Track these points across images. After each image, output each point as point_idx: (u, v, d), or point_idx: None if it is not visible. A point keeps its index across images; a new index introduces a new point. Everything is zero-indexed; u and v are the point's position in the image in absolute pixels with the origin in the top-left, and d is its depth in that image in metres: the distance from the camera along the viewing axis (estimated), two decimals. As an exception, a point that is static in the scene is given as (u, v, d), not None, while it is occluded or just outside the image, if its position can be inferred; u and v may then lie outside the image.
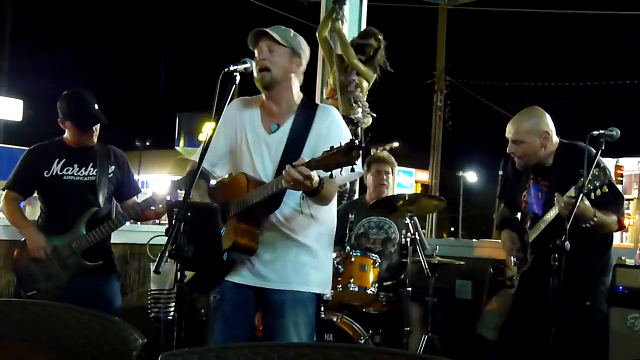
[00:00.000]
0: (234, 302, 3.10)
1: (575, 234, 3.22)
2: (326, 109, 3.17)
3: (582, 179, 3.29)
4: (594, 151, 3.43)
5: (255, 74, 2.99)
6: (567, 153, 3.72)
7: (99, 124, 4.08)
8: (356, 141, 2.52)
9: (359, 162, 2.67)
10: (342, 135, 3.05)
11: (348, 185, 5.83)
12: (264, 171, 3.05)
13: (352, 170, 2.61)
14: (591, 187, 3.30)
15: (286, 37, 3.05)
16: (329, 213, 3.21)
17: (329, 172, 2.62)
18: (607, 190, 3.33)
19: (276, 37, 3.01)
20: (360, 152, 2.52)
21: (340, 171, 2.60)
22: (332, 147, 2.59)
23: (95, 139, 4.10)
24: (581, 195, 3.26)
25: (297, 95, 3.14)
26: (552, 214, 3.55)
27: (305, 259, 3.11)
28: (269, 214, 3.01)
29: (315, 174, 2.67)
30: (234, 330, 3.07)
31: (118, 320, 1.83)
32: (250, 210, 2.93)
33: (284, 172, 2.69)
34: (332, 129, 3.06)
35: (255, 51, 3.07)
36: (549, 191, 3.71)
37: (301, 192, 2.87)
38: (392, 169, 5.15)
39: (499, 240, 4.32)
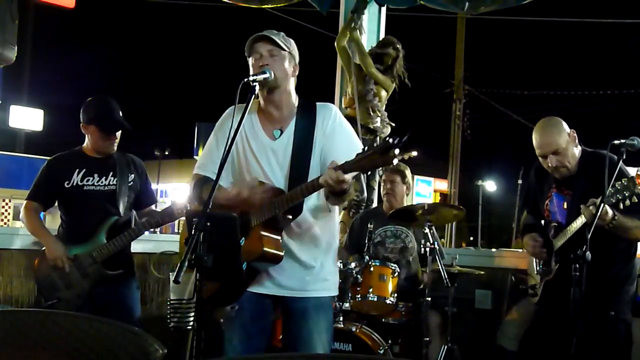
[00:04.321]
0: (254, 312, 3.07)
1: (598, 244, 3.19)
2: (326, 106, 3.11)
3: (610, 190, 3.26)
4: (615, 158, 3.40)
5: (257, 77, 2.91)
6: (590, 162, 3.69)
7: (120, 132, 4.10)
8: (391, 140, 2.45)
9: None
10: (347, 131, 3.07)
11: (365, 194, 5.84)
12: (275, 177, 3.01)
13: None
14: (620, 197, 3.28)
15: (284, 41, 3.03)
16: (337, 213, 3.21)
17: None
18: (637, 200, 3.30)
19: (278, 41, 2.99)
20: (398, 151, 2.45)
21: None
22: (365, 149, 2.55)
23: (115, 147, 4.12)
24: (601, 206, 3.23)
25: (295, 98, 3.10)
26: (578, 223, 3.52)
27: (322, 262, 3.09)
28: (292, 221, 2.97)
29: (350, 177, 2.64)
30: (254, 340, 3.06)
31: (138, 330, 1.83)
32: (274, 218, 2.89)
33: (325, 173, 2.65)
34: (336, 126, 3.04)
35: (252, 58, 3.01)
36: (573, 200, 3.68)
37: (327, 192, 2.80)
38: (402, 178, 5.12)
39: (519, 250, 4.29)
